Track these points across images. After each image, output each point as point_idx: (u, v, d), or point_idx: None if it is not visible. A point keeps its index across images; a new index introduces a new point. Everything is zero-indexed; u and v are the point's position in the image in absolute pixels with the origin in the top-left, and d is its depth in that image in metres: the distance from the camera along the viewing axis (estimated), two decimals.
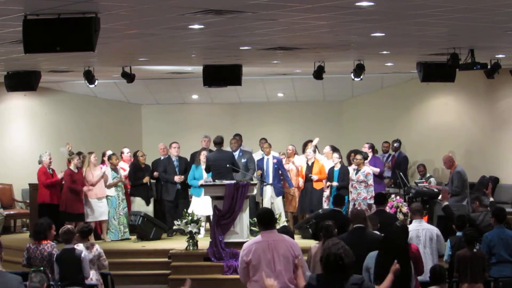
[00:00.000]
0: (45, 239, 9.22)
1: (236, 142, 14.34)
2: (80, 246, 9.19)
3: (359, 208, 11.78)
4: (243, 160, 14.00)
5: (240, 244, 12.13)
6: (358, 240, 8.03)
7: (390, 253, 7.07)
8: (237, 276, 11.59)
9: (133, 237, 14.15)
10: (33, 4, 7.71)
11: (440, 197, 13.71)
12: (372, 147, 15.20)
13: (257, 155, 14.60)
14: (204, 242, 12.75)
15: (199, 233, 12.93)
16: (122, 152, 15.22)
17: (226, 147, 14.12)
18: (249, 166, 13.92)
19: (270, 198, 14.18)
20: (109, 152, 14.55)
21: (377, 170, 14.31)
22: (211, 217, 12.80)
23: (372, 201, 12.82)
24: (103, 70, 14.51)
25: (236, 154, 14.11)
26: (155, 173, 14.61)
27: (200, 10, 8.14)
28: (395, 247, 7.19)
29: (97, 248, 9.47)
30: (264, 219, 6.76)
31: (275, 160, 14.20)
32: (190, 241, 12.50)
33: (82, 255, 8.89)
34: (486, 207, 11.03)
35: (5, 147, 17.10)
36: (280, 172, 14.26)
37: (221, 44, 11.22)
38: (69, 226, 9.57)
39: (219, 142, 13.38)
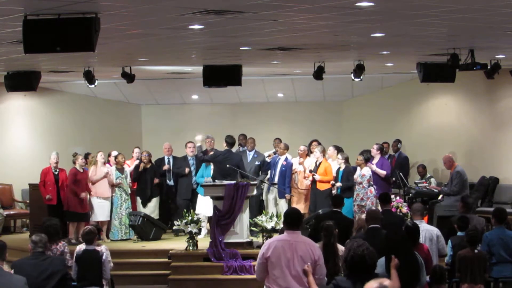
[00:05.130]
0: (60, 239, 9.19)
1: (252, 141, 14.36)
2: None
3: (373, 208, 11.71)
4: (257, 162, 14.02)
5: (240, 244, 12.30)
6: (374, 239, 8.01)
7: (392, 254, 7.03)
8: (237, 277, 11.76)
9: (133, 237, 14.15)
10: (33, 4, 7.71)
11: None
12: (380, 148, 14.96)
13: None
14: (204, 242, 12.76)
15: (199, 233, 12.92)
16: (132, 151, 15.30)
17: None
18: (262, 169, 13.93)
19: (274, 199, 14.16)
20: (115, 153, 14.55)
21: (383, 172, 14.04)
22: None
23: (363, 203, 12.84)
24: (103, 70, 14.51)
25: (251, 154, 14.15)
26: (156, 180, 14.50)
27: (200, 10, 8.14)
28: (396, 248, 7.14)
29: (102, 249, 9.43)
30: (289, 219, 6.76)
31: (284, 163, 14.11)
32: (190, 241, 12.50)
33: (104, 256, 8.89)
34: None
35: (5, 147, 17.10)
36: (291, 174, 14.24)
37: (221, 44, 11.22)
38: (90, 226, 9.53)
39: (231, 142, 13.29)
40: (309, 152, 14.64)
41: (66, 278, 7.73)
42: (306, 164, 14.22)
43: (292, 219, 6.75)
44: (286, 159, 14.10)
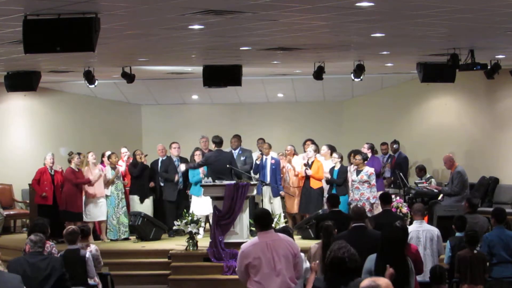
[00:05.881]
0: (47, 239, 9.17)
1: (236, 141, 14.40)
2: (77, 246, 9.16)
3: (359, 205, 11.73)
4: (242, 158, 14.06)
5: (240, 245, 12.24)
6: (358, 238, 7.96)
7: (387, 255, 7.00)
8: (237, 277, 11.73)
9: (133, 237, 14.16)
10: (33, 4, 7.70)
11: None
12: (371, 147, 15.16)
13: (253, 156, 14.64)
14: (204, 242, 12.76)
15: (198, 233, 12.92)
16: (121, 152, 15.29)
17: (225, 148, 14.11)
18: (247, 161, 14.01)
19: (269, 199, 14.18)
20: (108, 153, 14.55)
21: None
22: (211, 217, 12.81)
23: (375, 201, 12.82)
24: (103, 70, 14.51)
25: (236, 152, 14.17)
26: (151, 184, 14.52)
27: (200, 10, 8.14)
28: (391, 249, 7.10)
29: (91, 249, 9.41)
30: (261, 220, 6.73)
31: (273, 161, 14.21)
32: (190, 241, 12.51)
33: (87, 255, 8.88)
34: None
35: (5, 147, 17.11)
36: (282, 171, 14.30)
37: (221, 44, 11.22)
38: (73, 226, 9.54)
39: (219, 141, 13.37)
40: (295, 151, 14.73)
41: (63, 279, 7.72)
42: (295, 162, 14.28)
43: (265, 220, 6.71)
44: (272, 157, 14.27)
